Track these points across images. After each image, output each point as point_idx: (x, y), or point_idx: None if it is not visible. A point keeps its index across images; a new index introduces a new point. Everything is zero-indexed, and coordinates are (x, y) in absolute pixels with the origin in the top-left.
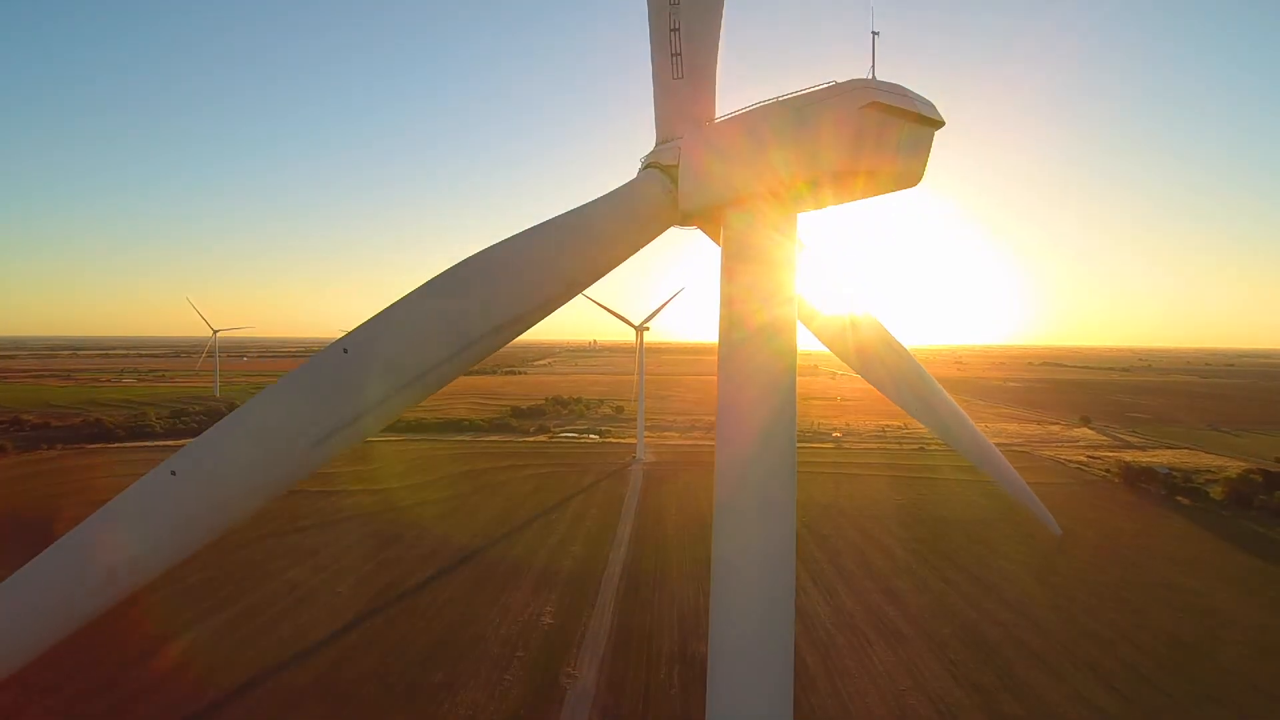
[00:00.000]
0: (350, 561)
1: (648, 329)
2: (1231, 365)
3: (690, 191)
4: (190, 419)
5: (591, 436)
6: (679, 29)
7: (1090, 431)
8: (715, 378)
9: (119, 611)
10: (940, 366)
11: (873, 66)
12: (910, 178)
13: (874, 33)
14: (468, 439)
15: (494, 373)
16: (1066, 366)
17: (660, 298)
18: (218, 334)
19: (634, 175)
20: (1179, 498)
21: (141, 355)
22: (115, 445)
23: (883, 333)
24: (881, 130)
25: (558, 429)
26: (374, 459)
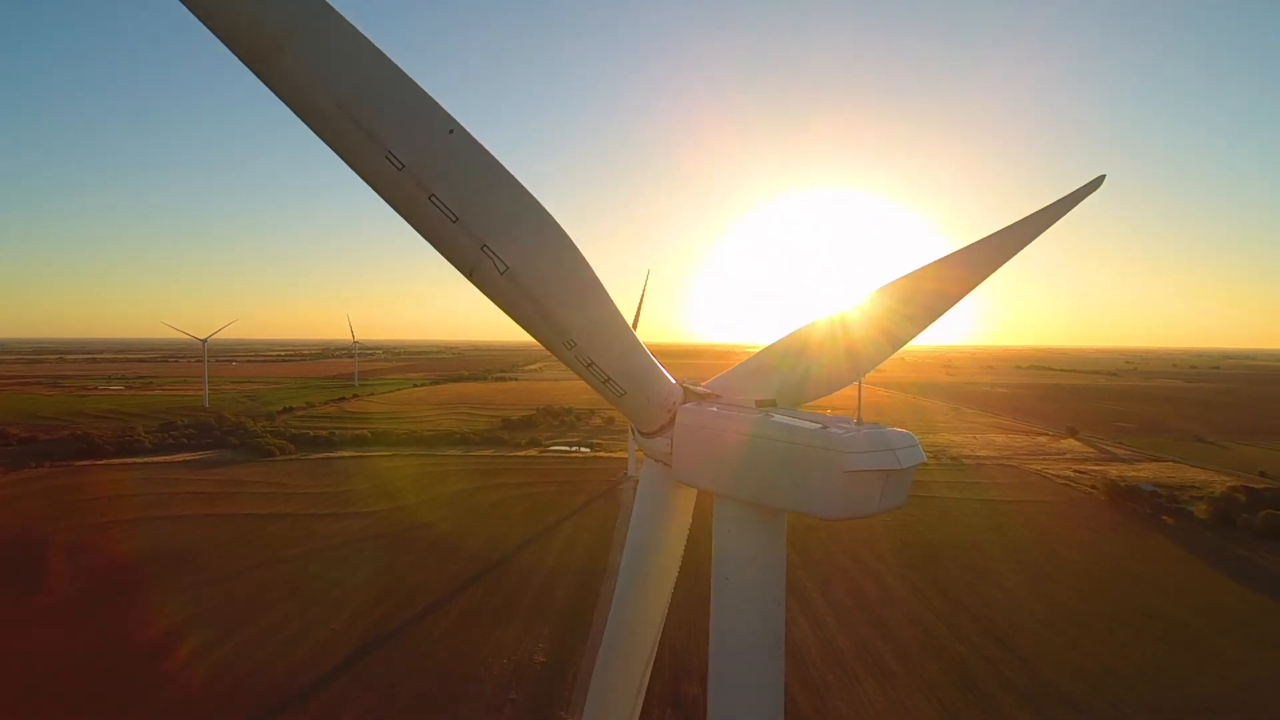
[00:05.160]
0: (342, 594)
1: None
2: (1217, 368)
3: (682, 475)
4: (180, 433)
5: (583, 450)
6: (592, 364)
7: (1077, 443)
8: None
9: (100, 651)
10: (931, 370)
11: (859, 409)
12: (890, 506)
13: (859, 382)
14: (458, 453)
15: (485, 379)
16: (1053, 370)
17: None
18: (206, 342)
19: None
20: (1164, 517)
21: (129, 360)
22: (103, 462)
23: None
24: (865, 487)
25: (549, 442)
26: (366, 477)
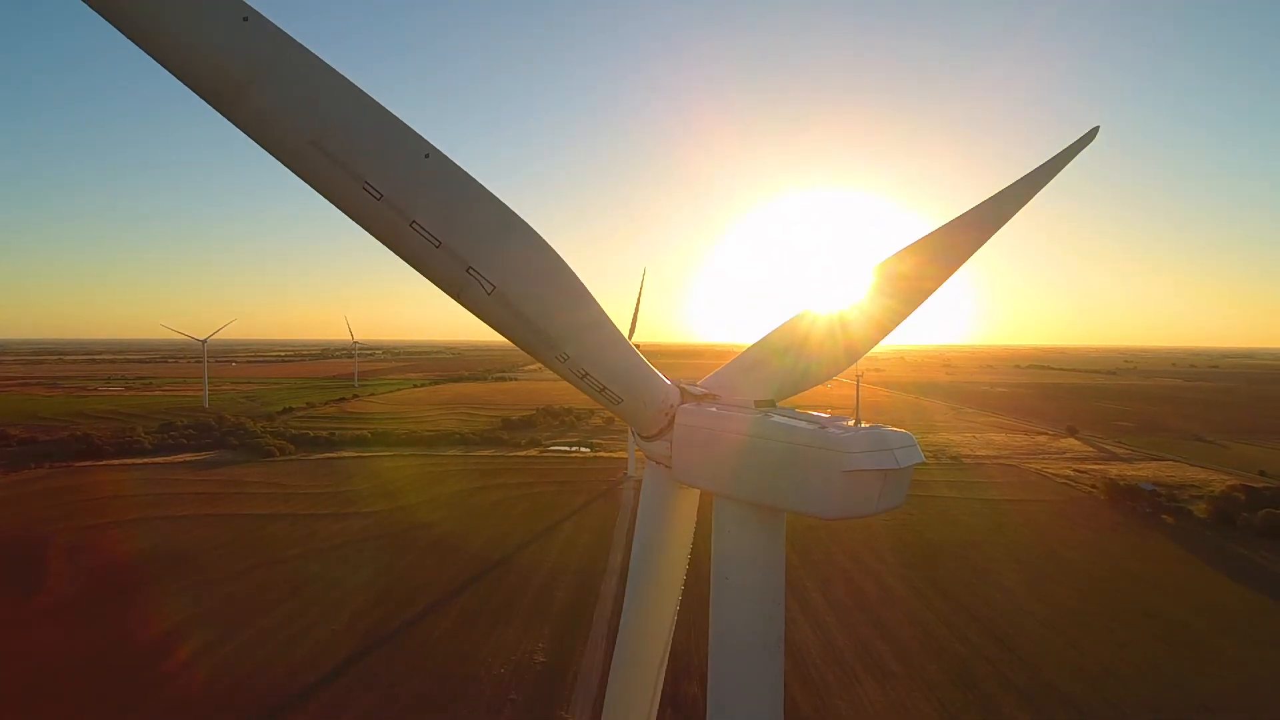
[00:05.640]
0: (342, 594)
1: (638, 346)
2: (1215, 366)
3: (682, 476)
4: (179, 433)
5: (583, 450)
6: (587, 375)
7: (1077, 442)
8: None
9: (100, 651)
10: (930, 370)
11: (857, 410)
12: (889, 506)
13: (858, 376)
14: (458, 454)
15: (485, 379)
16: (1053, 369)
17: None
18: (206, 342)
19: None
20: (1164, 516)
21: (128, 360)
22: (103, 462)
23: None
24: (864, 487)
25: (549, 442)
26: (365, 477)
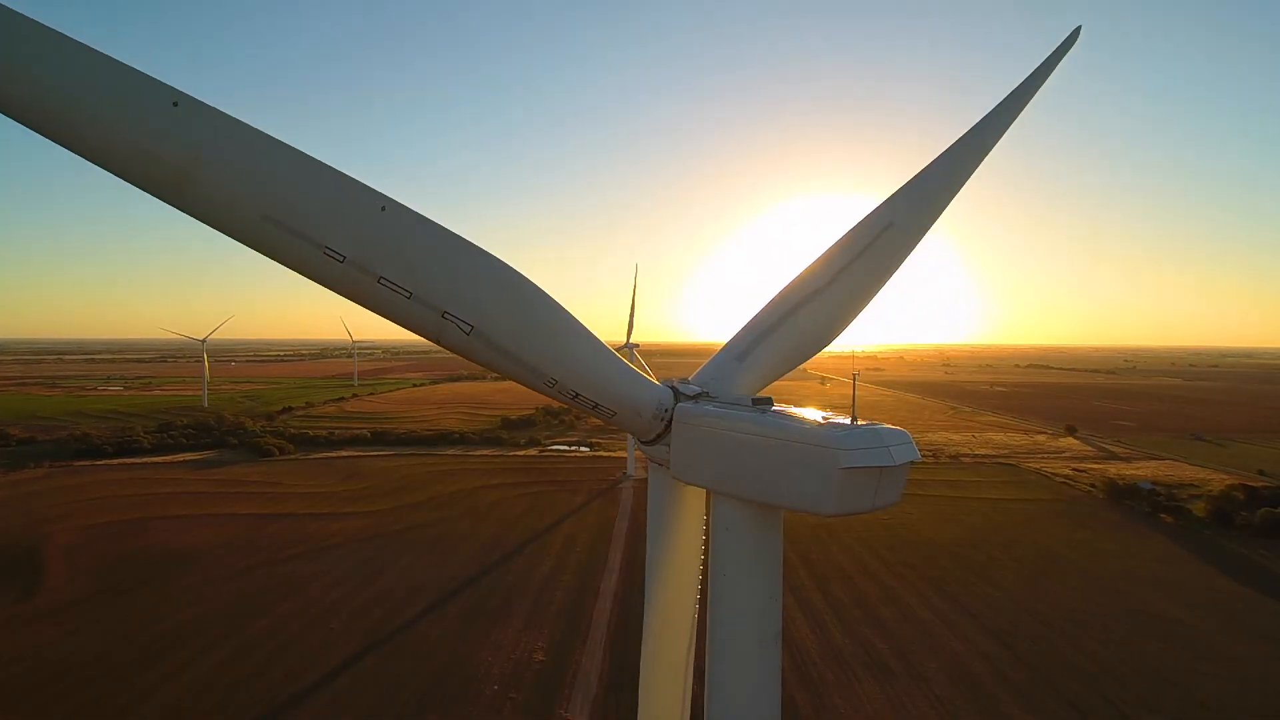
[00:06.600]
0: (341, 594)
1: (638, 345)
2: (1215, 366)
3: (680, 475)
4: (179, 433)
5: (582, 450)
6: (578, 395)
7: (1075, 441)
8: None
9: (100, 651)
10: (928, 369)
11: (854, 408)
12: (885, 503)
13: (854, 375)
14: (458, 453)
15: (484, 378)
16: (1053, 368)
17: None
18: (205, 342)
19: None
20: (1162, 515)
21: (128, 360)
22: (102, 462)
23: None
24: (860, 483)
25: (548, 441)
26: (364, 477)
